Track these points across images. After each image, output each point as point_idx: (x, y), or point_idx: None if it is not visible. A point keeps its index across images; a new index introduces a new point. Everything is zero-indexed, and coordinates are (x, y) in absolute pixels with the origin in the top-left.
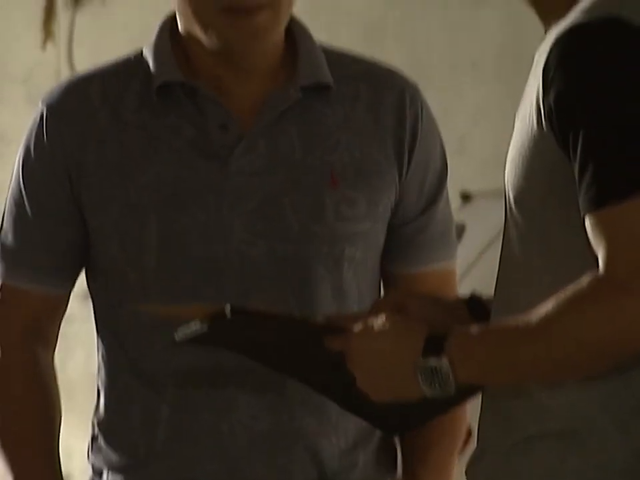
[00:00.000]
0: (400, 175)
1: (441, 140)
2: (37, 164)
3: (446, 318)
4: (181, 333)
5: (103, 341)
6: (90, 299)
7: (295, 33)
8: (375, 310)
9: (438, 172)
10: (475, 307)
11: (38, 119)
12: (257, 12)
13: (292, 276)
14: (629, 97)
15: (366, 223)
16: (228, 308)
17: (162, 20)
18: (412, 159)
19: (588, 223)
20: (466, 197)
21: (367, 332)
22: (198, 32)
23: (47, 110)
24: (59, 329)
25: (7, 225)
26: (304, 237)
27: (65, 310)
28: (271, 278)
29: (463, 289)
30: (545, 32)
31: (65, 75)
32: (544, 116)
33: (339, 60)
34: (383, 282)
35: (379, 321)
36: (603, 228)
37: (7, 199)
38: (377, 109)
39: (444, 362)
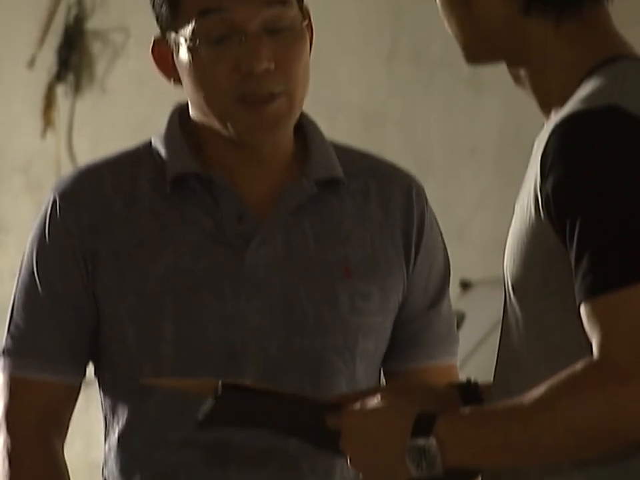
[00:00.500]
0: (407, 271)
1: (443, 239)
2: (52, 251)
3: (438, 403)
4: (200, 413)
5: (112, 431)
6: (87, 389)
7: (305, 125)
8: (373, 390)
9: (442, 270)
10: (468, 392)
11: (50, 207)
12: (273, 100)
13: (308, 367)
14: (627, 186)
15: (379, 316)
16: (229, 380)
17: (165, 110)
18: (418, 255)
19: (583, 311)
20: (466, 285)
21: (361, 410)
22: (213, 122)
23: (59, 197)
24: (70, 419)
25: (17, 316)
26: (319, 328)
27: (77, 399)
28: (286, 368)
29: (463, 376)
30: (545, 120)
31: (64, 164)
32: (541, 204)
33: (346, 155)
34: (384, 375)
35: (374, 400)
36: (599, 316)
37: (15, 288)
38: (387, 204)
39: (432, 442)
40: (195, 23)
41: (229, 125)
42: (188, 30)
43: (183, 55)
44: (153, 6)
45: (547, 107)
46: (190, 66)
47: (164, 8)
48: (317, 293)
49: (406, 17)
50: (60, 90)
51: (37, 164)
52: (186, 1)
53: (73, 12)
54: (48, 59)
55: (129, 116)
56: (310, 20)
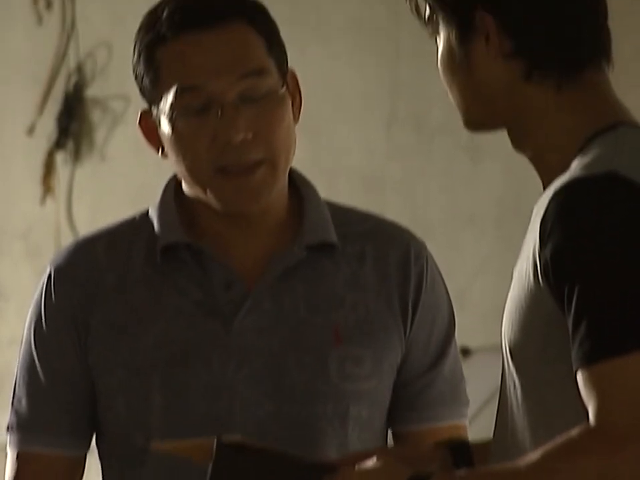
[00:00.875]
0: (405, 332)
1: (448, 296)
2: (47, 328)
3: (432, 464)
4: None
5: None
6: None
7: (300, 187)
8: (370, 452)
9: (444, 328)
10: (458, 453)
11: (46, 282)
12: (254, 169)
13: (298, 435)
14: (626, 254)
15: (371, 381)
16: (228, 438)
17: (164, 178)
18: (416, 315)
19: (580, 378)
20: (466, 352)
21: (357, 471)
22: (198, 193)
23: (54, 272)
24: None
25: (20, 391)
26: (308, 397)
27: (83, 470)
28: (276, 437)
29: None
30: (544, 188)
31: (64, 231)
32: (540, 270)
33: (344, 217)
34: (392, 437)
35: (370, 462)
36: (595, 383)
37: (18, 361)
38: (383, 266)
39: None
40: (173, 98)
41: (212, 196)
42: (167, 104)
43: (165, 127)
44: (136, 79)
45: (546, 173)
46: (171, 138)
47: (146, 81)
48: (306, 360)
49: (405, 83)
50: (60, 157)
51: (36, 231)
52: (164, 76)
53: (73, 79)
54: (48, 126)
55: (129, 183)
56: (297, 82)
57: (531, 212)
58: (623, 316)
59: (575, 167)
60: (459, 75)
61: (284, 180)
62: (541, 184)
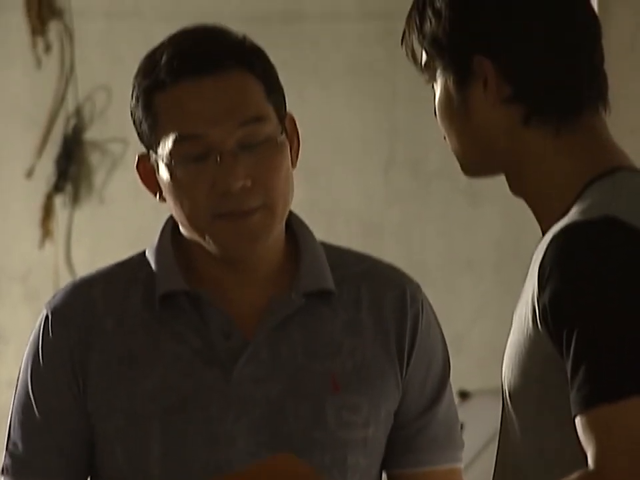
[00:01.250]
0: (402, 376)
1: (443, 339)
2: (45, 369)
3: None
4: None
5: None
6: None
7: (297, 232)
8: None
9: (440, 371)
10: None
11: (42, 324)
12: (252, 214)
13: None
14: (624, 298)
15: (369, 428)
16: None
17: (163, 221)
18: (412, 358)
19: (578, 422)
20: (464, 395)
21: None
22: (197, 238)
23: (51, 314)
24: None
25: (15, 433)
26: (306, 446)
27: None
28: None
29: None
30: (543, 233)
31: (63, 274)
32: (539, 315)
33: (340, 258)
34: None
35: None
36: (593, 428)
37: (12, 404)
38: (379, 310)
39: None
40: (172, 145)
41: (210, 240)
42: (166, 150)
43: (163, 173)
44: (134, 123)
45: (544, 218)
46: (170, 184)
47: (144, 126)
48: (304, 408)
49: (403, 127)
50: (58, 200)
51: (35, 274)
52: (163, 122)
53: (72, 122)
54: (46, 169)
55: (127, 227)
56: (295, 126)
57: (530, 256)
58: (621, 361)
59: (573, 212)
60: (456, 121)
61: (281, 225)
62: (540, 228)
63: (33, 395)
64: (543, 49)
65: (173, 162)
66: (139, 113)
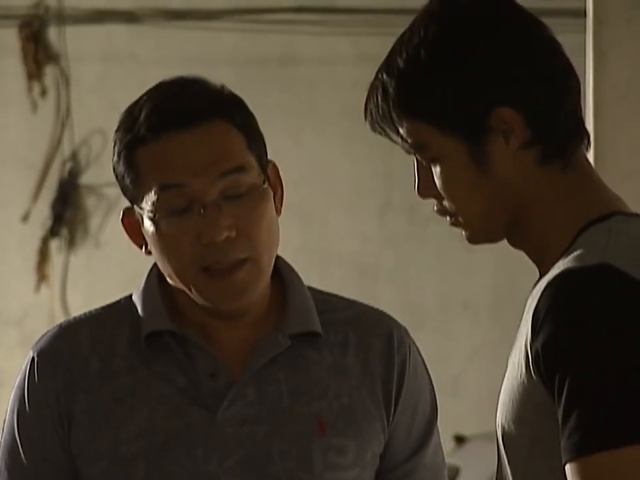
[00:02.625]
0: (388, 420)
1: (430, 384)
2: (30, 412)
3: None
4: None
5: None
6: None
7: (284, 276)
8: None
9: (427, 415)
10: None
11: (29, 366)
12: (237, 268)
13: None
14: (616, 346)
15: (355, 470)
16: None
17: (150, 265)
18: (399, 403)
19: (569, 469)
20: (460, 440)
21: None
22: (187, 291)
23: (37, 356)
24: None
25: (1, 477)
26: None
27: None
28: None
29: None
30: (539, 276)
31: (58, 317)
32: (532, 361)
33: (327, 304)
34: None
35: None
36: (583, 475)
37: None
38: (366, 354)
39: None
40: (155, 197)
41: (196, 293)
42: (149, 203)
43: (148, 226)
44: (117, 178)
45: (544, 262)
46: (154, 237)
47: (127, 180)
48: (290, 450)
49: (399, 171)
50: (54, 244)
51: (31, 317)
52: (145, 176)
53: (68, 166)
54: (42, 213)
55: (123, 270)
56: (277, 173)
57: (525, 300)
58: (612, 410)
59: (569, 258)
60: (478, 185)
61: (268, 276)
62: (535, 271)
63: (19, 438)
64: (553, 89)
65: (156, 215)
66: (121, 169)
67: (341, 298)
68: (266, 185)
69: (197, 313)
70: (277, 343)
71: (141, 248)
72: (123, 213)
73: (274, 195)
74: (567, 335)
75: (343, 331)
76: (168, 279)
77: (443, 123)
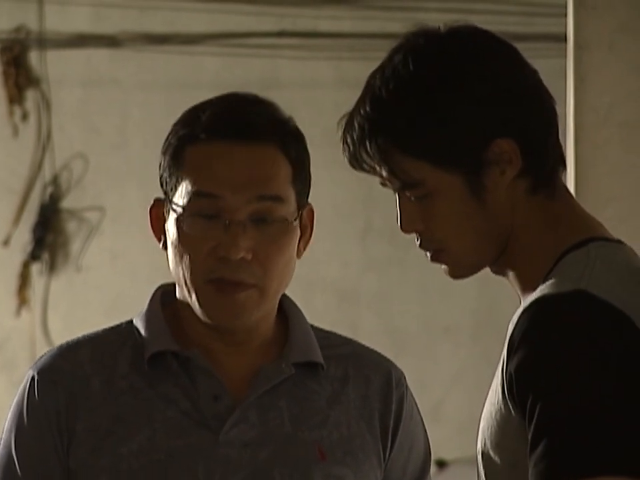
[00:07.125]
0: (384, 456)
1: (424, 428)
2: (29, 430)
3: None
4: None
5: None
6: None
7: (288, 312)
8: None
9: (422, 457)
10: None
11: (28, 384)
12: (241, 289)
13: None
14: (587, 375)
15: None
16: None
17: (140, 290)
18: (395, 440)
19: None
20: (441, 464)
21: None
22: (185, 294)
23: (37, 374)
24: None
25: None
26: None
27: None
28: None
29: None
30: (520, 301)
31: (39, 342)
32: (506, 386)
33: (327, 340)
34: None
35: None
36: None
37: None
38: (365, 388)
39: None
40: (188, 198)
41: (196, 302)
42: (181, 201)
43: (172, 222)
44: (160, 165)
45: (524, 289)
46: (175, 236)
47: (167, 172)
48: (291, 475)
49: (379, 195)
50: (35, 268)
51: (11, 342)
52: (186, 175)
53: (49, 190)
54: (23, 237)
55: (103, 294)
56: (312, 218)
57: (507, 324)
58: (579, 440)
59: (546, 284)
60: (472, 216)
61: (272, 304)
62: (516, 296)
63: (16, 456)
64: (544, 118)
65: (184, 215)
66: (167, 159)
67: (340, 335)
68: (296, 223)
69: (201, 335)
70: (281, 370)
71: (159, 241)
72: (153, 202)
73: (301, 236)
74: (539, 361)
75: (343, 365)
76: (179, 291)
77: (442, 160)
